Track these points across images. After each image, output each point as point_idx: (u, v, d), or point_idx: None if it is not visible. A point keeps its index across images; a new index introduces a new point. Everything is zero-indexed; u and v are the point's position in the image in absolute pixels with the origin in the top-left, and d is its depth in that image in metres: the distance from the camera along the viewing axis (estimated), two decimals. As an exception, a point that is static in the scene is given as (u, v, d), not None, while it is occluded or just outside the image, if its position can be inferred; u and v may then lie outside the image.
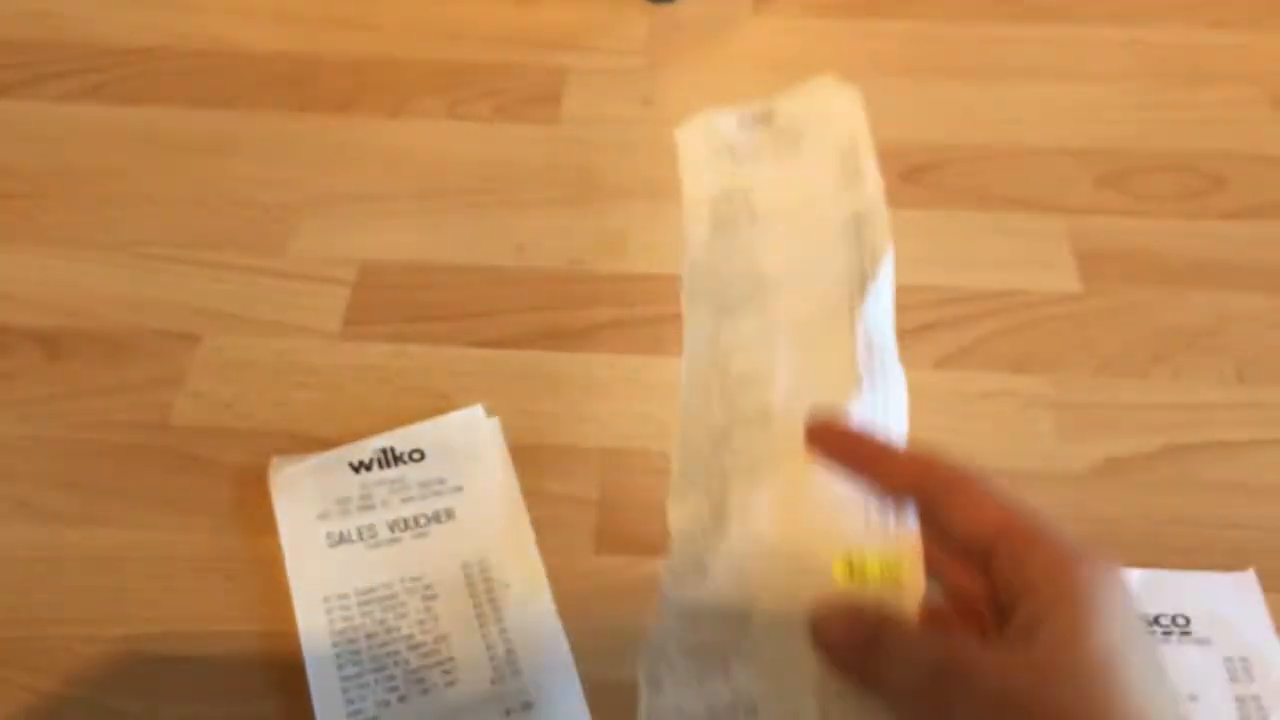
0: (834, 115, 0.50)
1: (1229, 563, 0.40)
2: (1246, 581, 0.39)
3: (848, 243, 0.45)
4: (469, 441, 0.44)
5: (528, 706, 0.38)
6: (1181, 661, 0.37)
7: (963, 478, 0.30)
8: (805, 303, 0.44)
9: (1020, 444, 0.44)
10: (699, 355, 0.39)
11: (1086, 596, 0.27)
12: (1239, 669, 0.37)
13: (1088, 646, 0.26)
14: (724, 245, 0.44)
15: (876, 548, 0.33)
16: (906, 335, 0.48)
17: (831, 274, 0.44)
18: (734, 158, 0.47)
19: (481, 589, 0.40)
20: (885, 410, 0.40)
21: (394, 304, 0.49)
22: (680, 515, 0.36)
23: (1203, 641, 0.38)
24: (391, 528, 0.41)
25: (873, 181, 0.47)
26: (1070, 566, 0.28)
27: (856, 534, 0.34)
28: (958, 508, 0.29)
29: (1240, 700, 0.37)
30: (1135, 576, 0.38)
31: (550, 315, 0.49)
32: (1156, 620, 0.39)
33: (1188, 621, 0.38)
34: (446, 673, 0.38)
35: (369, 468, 0.43)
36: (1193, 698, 0.37)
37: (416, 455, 0.43)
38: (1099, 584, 0.27)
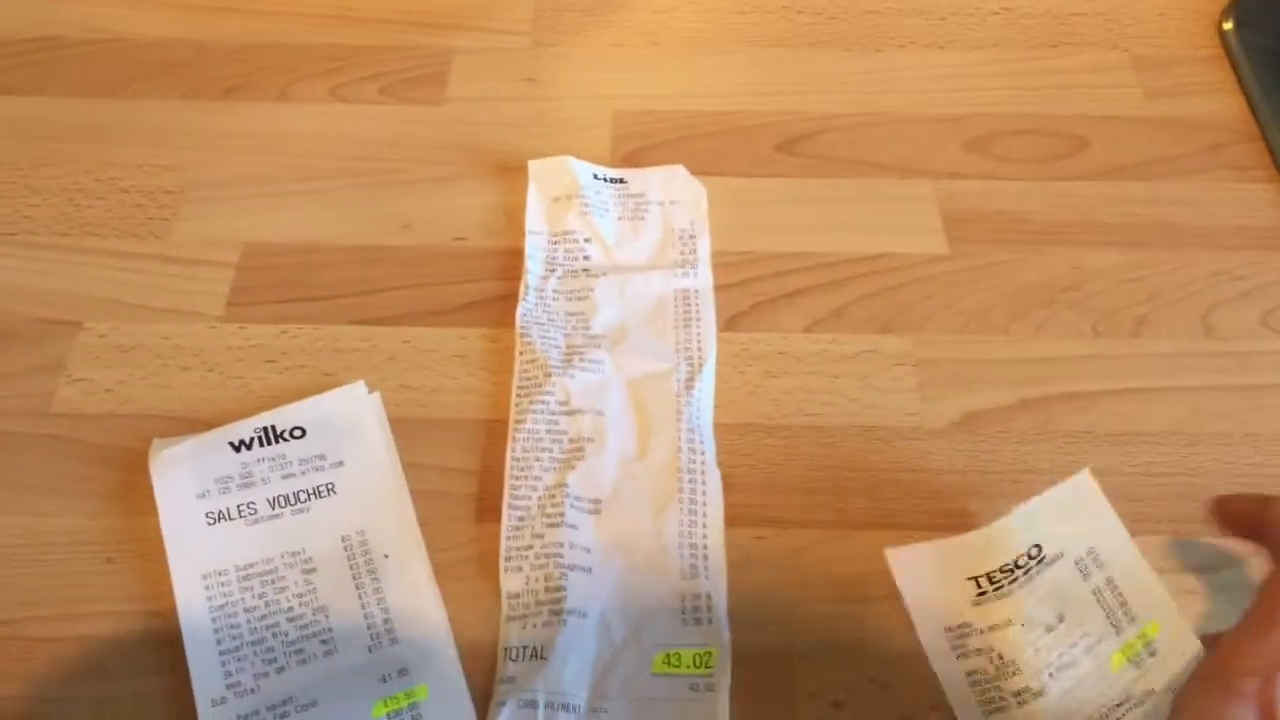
0: (681, 201, 0.52)
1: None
2: (1082, 482, 0.39)
3: (678, 324, 0.48)
4: (350, 417, 0.45)
5: (404, 673, 0.39)
6: (1042, 590, 0.39)
7: None
8: (641, 365, 0.46)
9: (885, 400, 0.46)
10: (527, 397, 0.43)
11: None
12: (1089, 563, 0.39)
13: None
14: (560, 286, 0.47)
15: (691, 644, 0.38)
16: (779, 300, 0.50)
17: (664, 350, 0.47)
18: (581, 206, 0.49)
19: (360, 560, 0.41)
20: (704, 516, 0.42)
21: (278, 285, 0.50)
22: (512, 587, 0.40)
23: (1055, 559, 0.39)
24: (272, 504, 0.42)
25: (705, 275, 0.49)
26: None
27: (671, 632, 0.39)
28: None
29: (1097, 592, 0.38)
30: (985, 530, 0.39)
31: (433, 291, 0.50)
32: (1015, 565, 0.40)
33: (1040, 549, 0.39)
34: (324, 643, 0.39)
35: (249, 446, 0.43)
36: (1060, 619, 0.38)
37: (298, 432, 0.44)
38: None
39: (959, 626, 0.38)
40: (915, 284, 0.50)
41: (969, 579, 0.39)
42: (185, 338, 0.48)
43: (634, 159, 0.54)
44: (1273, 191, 0.53)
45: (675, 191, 0.52)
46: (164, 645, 0.39)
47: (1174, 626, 0.36)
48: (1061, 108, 0.56)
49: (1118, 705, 0.36)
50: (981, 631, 0.38)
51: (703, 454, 0.44)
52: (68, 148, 0.55)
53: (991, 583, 0.38)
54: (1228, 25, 0.59)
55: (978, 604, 0.39)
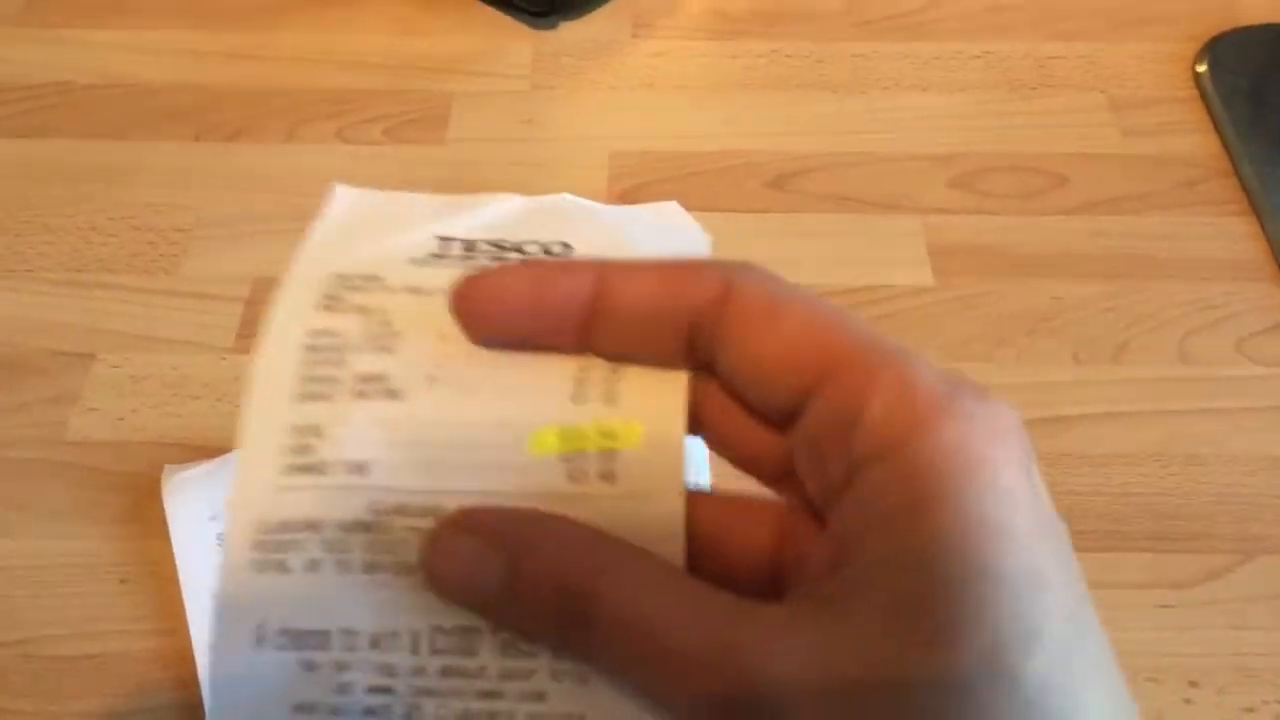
0: (673, 236, 0.51)
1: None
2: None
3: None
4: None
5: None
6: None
7: (767, 295, 0.21)
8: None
9: (874, 426, 0.47)
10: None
11: (1000, 497, 0.18)
12: None
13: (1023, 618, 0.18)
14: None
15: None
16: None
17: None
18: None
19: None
20: None
21: (285, 319, 0.51)
22: None
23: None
24: (280, 527, 0.44)
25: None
26: (959, 437, 0.18)
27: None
28: (757, 334, 0.20)
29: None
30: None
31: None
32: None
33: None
34: (332, 659, 0.41)
35: (258, 471, 0.45)
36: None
37: (305, 458, 0.45)
38: (1009, 468, 0.19)
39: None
40: (902, 314, 0.51)
41: None
42: (195, 368, 0.49)
43: (628, 197, 0.56)
44: (1246, 225, 0.55)
45: (669, 226, 0.54)
46: (177, 664, 0.41)
47: (665, 461, 0.22)
48: (1042, 146, 0.58)
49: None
50: None
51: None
52: (81, 188, 0.57)
53: None
54: (1201, 68, 0.62)
55: None
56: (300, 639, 0.22)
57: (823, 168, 0.58)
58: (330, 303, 0.24)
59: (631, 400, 0.23)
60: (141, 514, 0.44)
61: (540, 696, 0.21)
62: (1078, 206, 0.56)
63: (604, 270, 0.22)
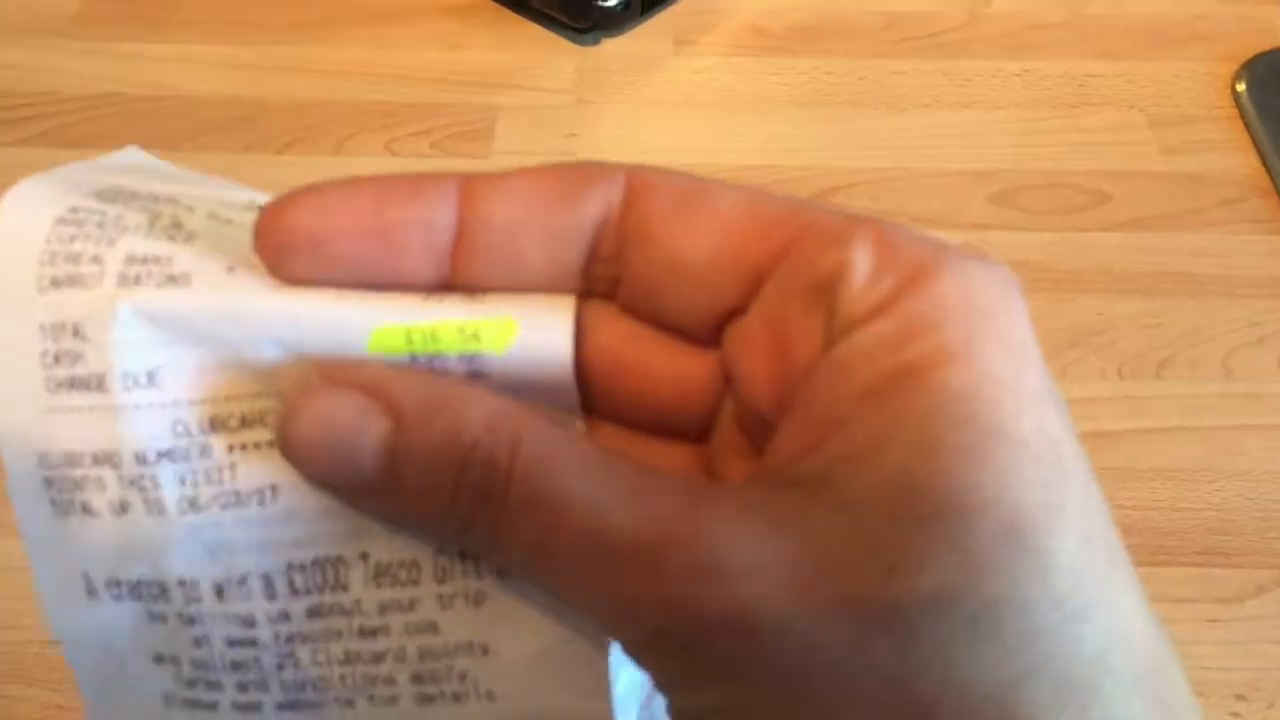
0: None
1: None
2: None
3: None
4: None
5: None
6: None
7: (683, 186, 0.18)
8: None
9: (918, 439, 0.48)
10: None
11: (1010, 361, 0.16)
12: None
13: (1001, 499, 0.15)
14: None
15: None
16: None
17: None
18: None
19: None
20: None
21: (335, 327, 0.52)
22: None
23: None
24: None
25: None
26: (961, 289, 0.16)
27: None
28: (682, 228, 0.17)
29: None
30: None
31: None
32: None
33: None
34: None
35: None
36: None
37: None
38: (1012, 333, 0.16)
39: None
40: (944, 329, 0.52)
41: None
42: (248, 375, 0.50)
43: (673, 210, 0.57)
44: (1287, 243, 0.55)
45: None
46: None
47: (548, 368, 0.18)
48: (1082, 164, 0.59)
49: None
50: None
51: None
52: (133, 197, 0.58)
53: None
54: (1240, 86, 0.62)
55: None
56: (135, 589, 0.18)
57: (864, 184, 0.58)
58: (105, 196, 0.19)
59: (502, 303, 0.18)
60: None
61: (431, 627, 0.18)
62: (1119, 224, 0.56)
63: (470, 181, 0.18)
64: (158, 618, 0.18)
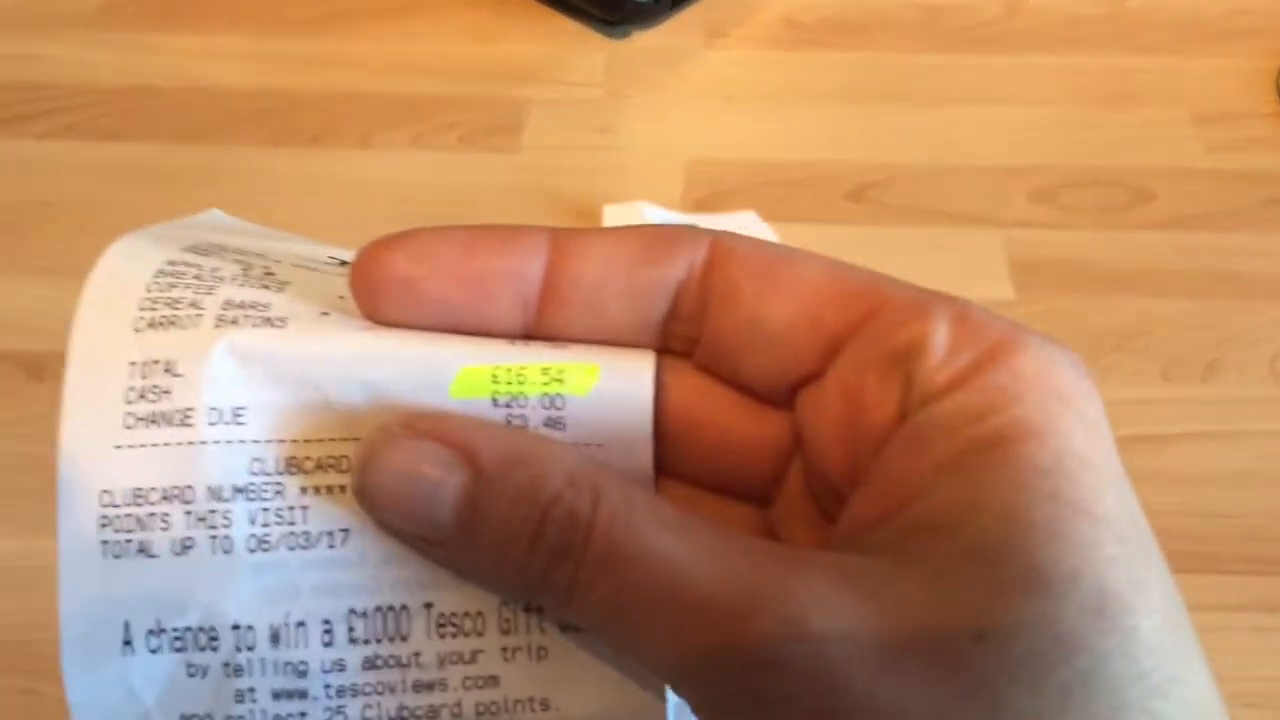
0: None
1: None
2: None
3: None
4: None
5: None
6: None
7: (765, 253, 0.18)
8: None
9: (958, 441, 0.47)
10: None
11: (1082, 445, 0.16)
12: None
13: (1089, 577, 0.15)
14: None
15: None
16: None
17: None
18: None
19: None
20: None
21: (365, 323, 0.51)
22: None
23: None
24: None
25: None
26: (1039, 366, 0.16)
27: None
28: (764, 292, 0.18)
29: None
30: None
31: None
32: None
33: None
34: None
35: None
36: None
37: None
38: (1087, 413, 0.16)
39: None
40: (984, 329, 0.51)
41: None
42: (277, 372, 0.50)
43: (705, 206, 0.56)
44: (1335, 243, 0.54)
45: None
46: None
47: (629, 413, 0.18)
48: (1124, 160, 0.58)
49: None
50: None
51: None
52: (160, 191, 0.58)
53: None
54: (1286, 82, 0.61)
55: None
56: (179, 639, 0.17)
57: (902, 180, 0.57)
58: (200, 249, 0.19)
59: (587, 352, 0.18)
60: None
61: (491, 681, 0.18)
62: (1163, 222, 0.55)
63: (559, 236, 0.18)
64: (196, 671, 0.17)
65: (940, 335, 0.17)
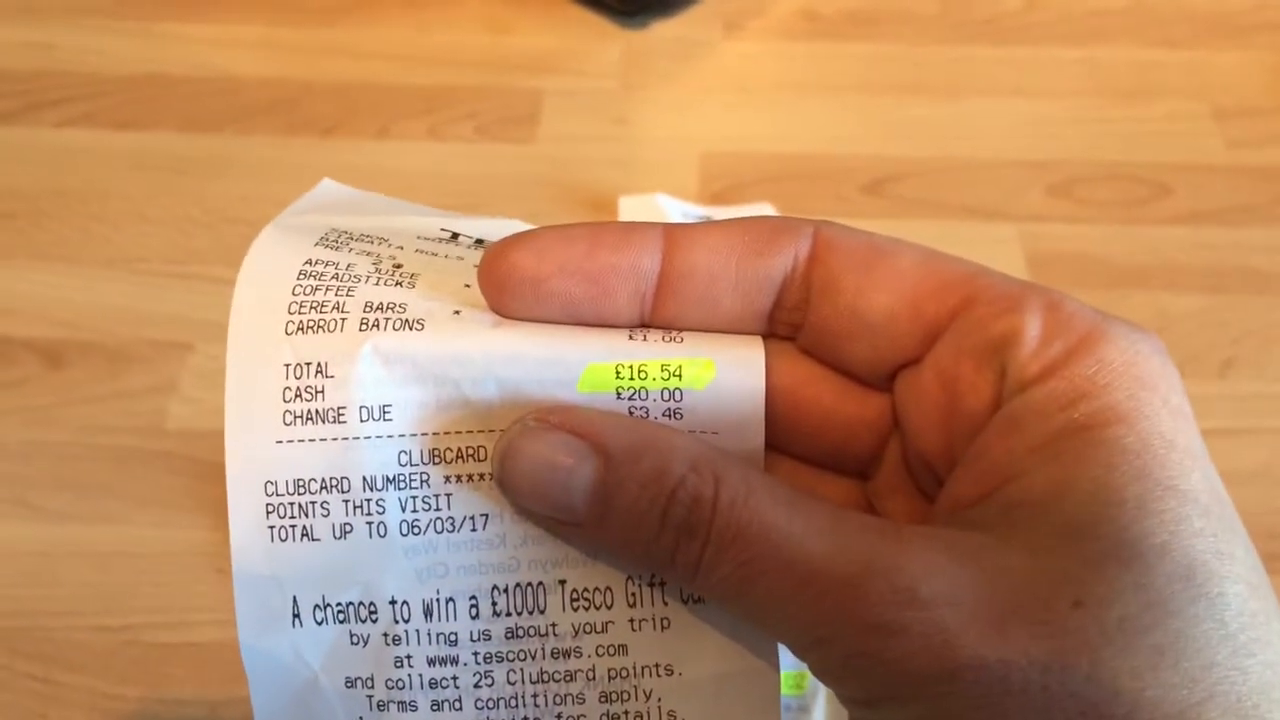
0: None
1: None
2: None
3: None
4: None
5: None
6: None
7: (865, 243, 0.19)
8: None
9: (973, 437, 0.47)
10: None
11: (1170, 430, 0.17)
12: None
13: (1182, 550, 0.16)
14: None
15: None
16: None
17: None
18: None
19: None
20: None
21: (379, 314, 0.51)
22: None
23: None
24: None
25: None
26: (1126, 355, 0.18)
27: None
28: (865, 283, 0.19)
29: None
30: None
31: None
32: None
33: None
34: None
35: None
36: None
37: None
38: (1174, 402, 0.18)
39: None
40: (1000, 324, 0.50)
41: None
42: (291, 361, 0.50)
43: (721, 198, 0.56)
44: (1356, 239, 0.53)
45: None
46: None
47: (743, 404, 0.20)
48: (1143, 155, 0.57)
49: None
50: None
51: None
52: (177, 180, 0.58)
53: None
54: (1308, 77, 0.60)
55: None
56: (342, 612, 0.19)
57: (919, 173, 0.57)
58: (329, 243, 0.21)
59: (700, 344, 0.20)
60: (239, 505, 0.45)
61: (621, 649, 0.20)
62: (1180, 217, 0.54)
63: (672, 232, 0.20)
64: (358, 640, 0.19)
65: (1033, 326, 0.18)
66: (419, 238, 0.22)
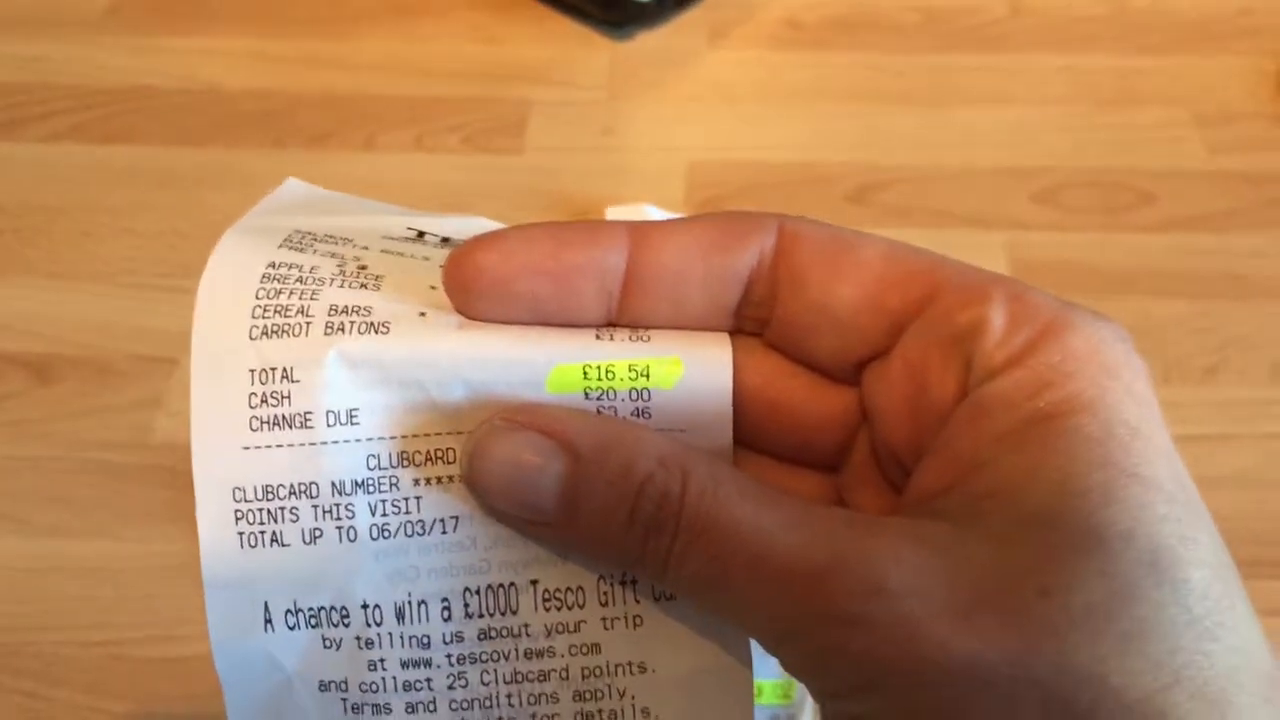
0: None
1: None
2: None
3: None
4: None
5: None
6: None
7: (830, 236, 0.19)
8: None
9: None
10: None
11: (1135, 418, 0.17)
12: None
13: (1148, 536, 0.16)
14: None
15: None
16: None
17: None
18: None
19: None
20: None
21: (366, 325, 0.52)
22: None
23: None
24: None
25: None
26: (1090, 344, 0.18)
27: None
28: (830, 277, 0.19)
29: None
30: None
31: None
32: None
33: None
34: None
35: (343, 478, 0.45)
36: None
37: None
38: (1136, 389, 0.18)
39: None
40: (985, 331, 0.51)
41: None
42: (279, 374, 0.50)
43: (707, 207, 0.56)
44: (1338, 244, 0.54)
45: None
46: (263, 668, 0.41)
47: (710, 403, 0.20)
48: (1127, 161, 0.57)
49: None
50: None
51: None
52: (164, 193, 0.58)
53: None
54: (1289, 83, 0.61)
55: None
56: (314, 616, 0.19)
57: (903, 181, 0.57)
58: (293, 244, 0.21)
59: (667, 342, 0.20)
60: (227, 518, 0.45)
61: (594, 648, 0.20)
62: (1164, 223, 0.55)
63: (637, 230, 0.19)
64: (331, 644, 0.19)
65: (998, 317, 0.18)
66: (384, 237, 0.21)
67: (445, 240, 0.22)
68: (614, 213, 0.54)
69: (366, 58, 0.64)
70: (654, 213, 0.54)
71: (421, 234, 0.22)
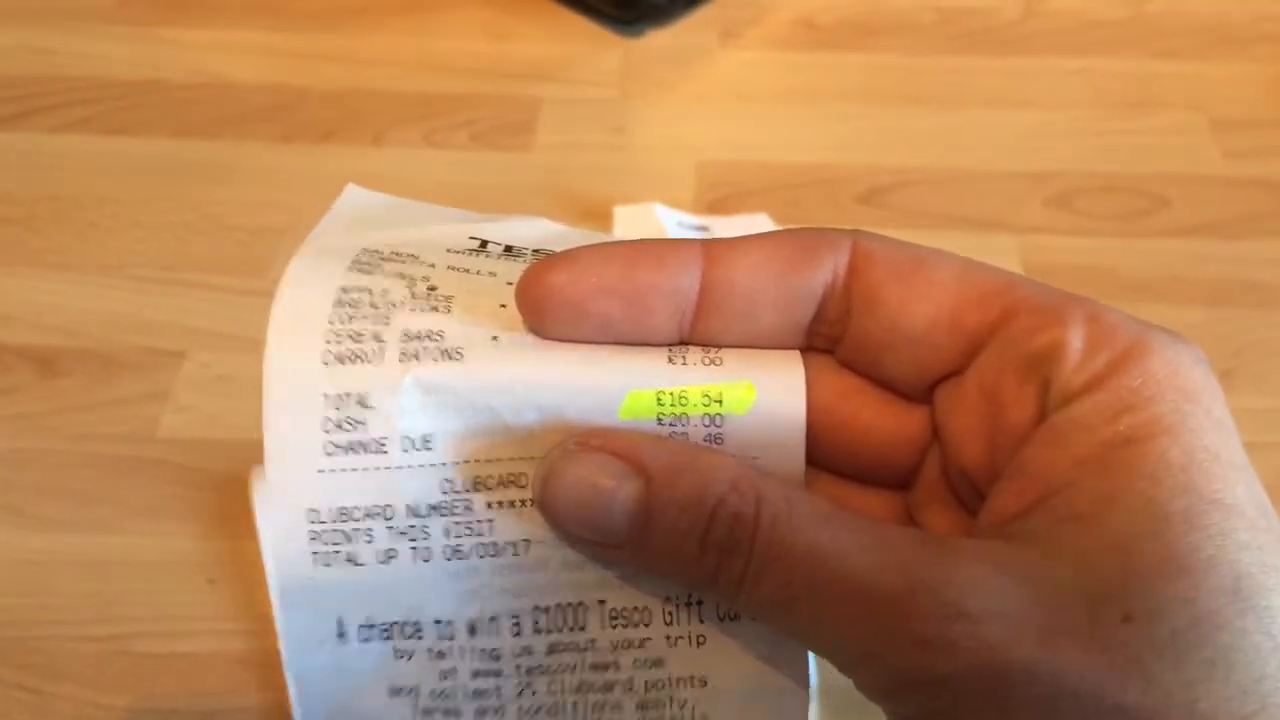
0: None
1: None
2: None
3: None
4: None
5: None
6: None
7: (905, 254, 0.19)
8: None
9: (970, 449, 0.46)
10: None
11: (1213, 435, 0.17)
12: None
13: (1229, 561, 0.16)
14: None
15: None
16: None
17: None
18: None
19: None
20: None
21: (374, 322, 0.51)
22: None
23: None
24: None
25: None
26: (1169, 367, 0.17)
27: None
28: (905, 295, 0.19)
29: None
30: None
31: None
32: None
33: None
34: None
35: (348, 475, 0.45)
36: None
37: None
38: (1215, 410, 0.18)
39: None
40: (997, 335, 0.50)
41: None
42: (285, 369, 0.49)
43: (717, 208, 0.56)
44: (1355, 252, 0.53)
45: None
46: (265, 667, 0.40)
47: (784, 428, 0.20)
48: (1142, 166, 0.57)
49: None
50: None
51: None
52: (173, 186, 0.57)
53: None
54: (1307, 89, 0.60)
55: None
56: (387, 631, 0.20)
57: (916, 183, 0.57)
58: (362, 266, 0.21)
59: (740, 365, 0.20)
60: (231, 514, 0.44)
61: (658, 663, 0.20)
62: (1179, 229, 0.54)
63: (710, 248, 0.19)
64: (403, 655, 0.20)
65: (1076, 339, 0.18)
66: (449, 251, 0.22)
67: (508, 249, 0.22)
68: (622, 212, 0.54)
69: (376, 53, 0.64)
70: (662, 212, 0.53)
71: (484, 244, 0.22)
